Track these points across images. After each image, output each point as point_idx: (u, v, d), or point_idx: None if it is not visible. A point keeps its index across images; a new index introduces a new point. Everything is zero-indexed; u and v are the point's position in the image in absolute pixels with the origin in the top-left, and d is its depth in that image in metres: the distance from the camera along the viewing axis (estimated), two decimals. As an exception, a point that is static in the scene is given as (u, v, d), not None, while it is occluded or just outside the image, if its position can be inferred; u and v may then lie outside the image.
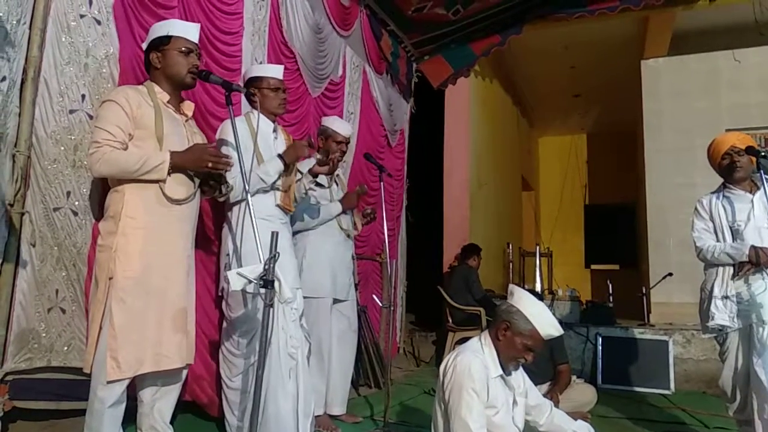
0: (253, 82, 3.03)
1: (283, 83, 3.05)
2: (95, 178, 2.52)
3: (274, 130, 3.05)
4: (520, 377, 2.47)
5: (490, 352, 2.37)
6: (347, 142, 3.67)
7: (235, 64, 3.52)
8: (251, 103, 3.05)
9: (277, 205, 2.93)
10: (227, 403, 2.85)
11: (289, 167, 2.91)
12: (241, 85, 3.06)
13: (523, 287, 7.96)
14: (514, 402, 2.41)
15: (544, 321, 2.33)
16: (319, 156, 3.16)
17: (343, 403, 3.69)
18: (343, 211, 3.61)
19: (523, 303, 2.36)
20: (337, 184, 3.74)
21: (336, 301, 3.60)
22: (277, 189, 2.91)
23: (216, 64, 3.39)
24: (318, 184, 3.41)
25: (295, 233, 3.41)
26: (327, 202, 3.57)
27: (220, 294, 2.89)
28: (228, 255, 2.83)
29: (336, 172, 3.75)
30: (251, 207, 2.40)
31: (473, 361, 2.30)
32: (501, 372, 2.36)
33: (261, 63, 3.67)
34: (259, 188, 2.82)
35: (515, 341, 2.32)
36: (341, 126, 3.70)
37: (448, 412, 2.30)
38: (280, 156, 2.87)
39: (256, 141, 2.86)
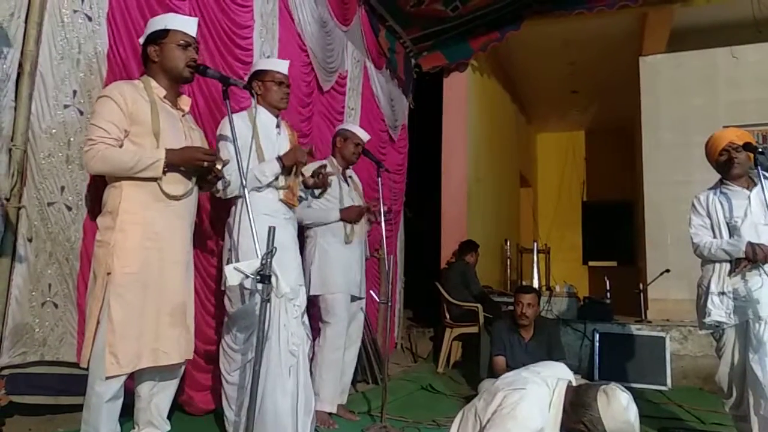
0: (258, 75, 3.04)
1: (287, 78, 3.05)
2: (91, 175, 2.52)
3: (278, 126, 3.04)
4: None
5: (555, 414, 2.19)
6: (363, 147, 3.80)
7: (249, 57, 3.56)
8: (254, 97, 3.02)
9: (281, 200, 2.92)
10: (225, 398, 2.85)
11: (287, 169, 2.90)
12: (246, 79, 3.08)
13: (521, 283, 7.98)
14: None
15: None
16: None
17: (341, 400, 3.72)
18: (341, 220, 3.60)
19: (610, 422, 2.11)
20: (349, 185, 3.78)
21: (352, 298, 3.68)
22: (275, 187, 2.90)
23: (234, 59, 3.45)
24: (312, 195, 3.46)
25: (304, 232, 3.47)
26: (336, 200, 3.61)
27: (222, 289, 2.88)
28: (229, 250, 2.84)
29: (349, 174, 3.81)
30: (248, 203, 2.40)
31: (534, 420, 2.12)
32: None
33: (269, 57, 3.70)
34: (254, 186, 2.79)
35: (580, 429, 2.16)
36: (362, 132, 3.88)
37: None
38: (279, 158, 2.87)
39: (257, 135, 2.85)
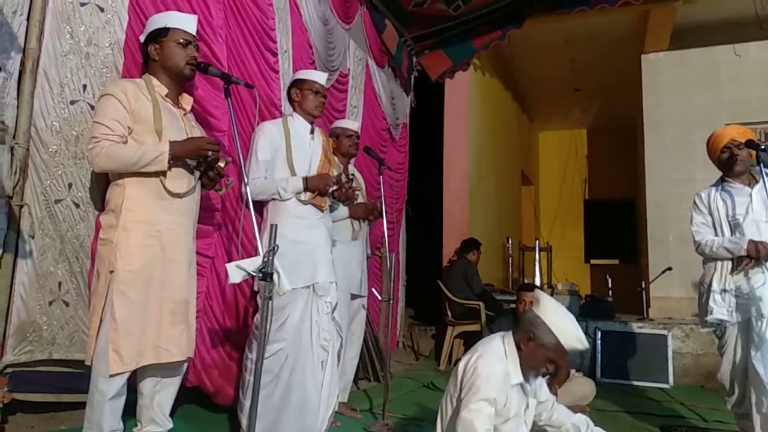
0: (296, 84, 3.17)
1: (324, 89, 3.18)
2: (96, 172, 2.51)
3: (312, 131, 3.15)
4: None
5: (513, 359, 2.30)
6: (357, 135, 3.81)
7: (276, 48, 3.64)
8: (291, 102, 3.19)
9: (309, 203, 3.00)
10: (243, 385, 2.89)
11: (311, 190, 2.99)
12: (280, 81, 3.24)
13: (523, 281, 7.98)
14: (527, 406, 2.36)
15: (570, 334, 2.23)
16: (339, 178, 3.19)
17: (343, 397, 3.72)
18: (350, 217, 3.68)
19: (549, 315, 2.27)
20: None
21: (353, 296, 3.72)
22: (298, 198, 2.98)
23: (266, 48, 3.53)
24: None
25: None
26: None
27: (255, 289, 3.00)
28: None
29: (351, 172, 3.83)
30: (251, 204, 2.40)
31: (496, 368, 2.24)
32: (521, 380, 2.29)
33: (286, 51, 3.79)
34: (274, 198, 2.94)
35: (537, 353, 2.25)
36: (349, 122, 3.94)
37: (459, 410, 2.25)
38: (305, 179, 2.96)
39: (289, 142, 3.00)
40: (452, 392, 2.38)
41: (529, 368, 2.30)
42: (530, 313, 2.33)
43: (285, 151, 3.00)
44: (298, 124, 3.12)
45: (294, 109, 3.18)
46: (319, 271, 2.96)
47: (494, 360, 2.27)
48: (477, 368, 2.25)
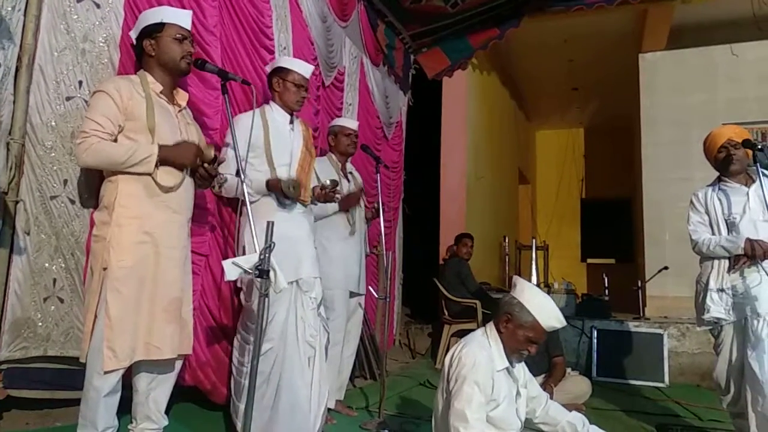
0: (279, 72, 3.04)
1: (307, 82, 3.07)
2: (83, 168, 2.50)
3: (291, 122, 3.06)
4: (520, 369, 2.46)
5: (495, 345, 2.36)
6: (356, 134, 3.78)
7: (273, 46, 3.61)
8: (271, 91, 3.07)
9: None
10: (236, 388, 2.86)
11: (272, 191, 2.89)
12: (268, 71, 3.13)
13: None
14: (518, 394, 2.40)
15: (547, 313, 2.31)
16: (328, 183, 3.12)
17: (339, 395, 3.73)
18: (341, 210, 3.63)
19: (525, 295, 2.35)
20: (349, 181, 3.79)
21: (351, 294, 3.70)
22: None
23: (261, 46, 3.50)
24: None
25: None
26: (339, 197, 3.59)
27: (238, 286, 2.93)
28: (243, 247, 2.86)
29: (349, 170, 3.81)
30: (247, 200, 2.39)
31: (479, 355, 2.29)
32: (507, 365, 2.35)
33: (285, 48, 3.74)
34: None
35: (517, 333, 2.32)
36: (348, 121, 3.90)
37: (450, 402, 2.30)
38: (267, 182, 2.85)
39: (267, 134, 2.91)
40: (442, 386, 2.42)
41: (511, 351, 2.36)
42: (507, 296, 2.42)
43: (263, 143, 2.89)
44: (277, 114, 3.00)
45: (273, 99, 3.05)
46: (303, 266, 2.89)
47: (477, 348, 2.33)
48: (461, 358, 2.31)
